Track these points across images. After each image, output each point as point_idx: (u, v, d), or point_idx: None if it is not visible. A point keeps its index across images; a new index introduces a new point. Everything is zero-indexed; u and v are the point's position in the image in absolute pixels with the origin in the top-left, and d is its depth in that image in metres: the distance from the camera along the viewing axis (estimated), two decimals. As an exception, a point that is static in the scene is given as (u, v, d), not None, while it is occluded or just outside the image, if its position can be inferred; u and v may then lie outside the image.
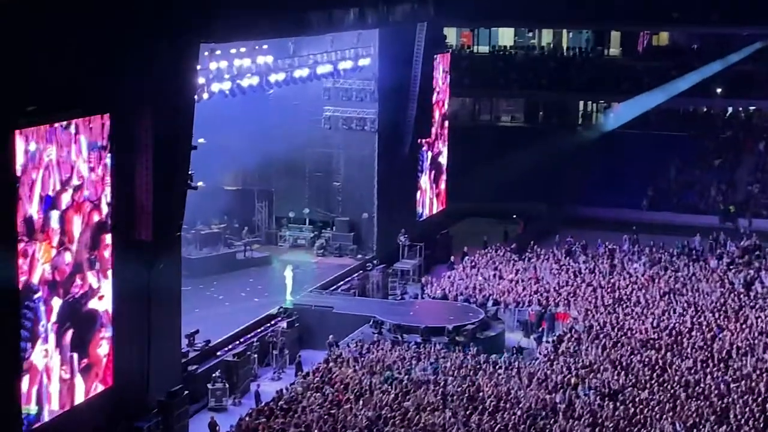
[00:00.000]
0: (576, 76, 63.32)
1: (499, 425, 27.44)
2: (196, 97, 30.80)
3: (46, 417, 25.15)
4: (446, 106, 51.66)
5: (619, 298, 39.45)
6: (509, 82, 63.86)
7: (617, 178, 57.84)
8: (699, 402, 29.19)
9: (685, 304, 38.53)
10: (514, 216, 55.04)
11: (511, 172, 55.21)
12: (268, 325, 36.76)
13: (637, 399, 29.37)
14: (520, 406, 28.73)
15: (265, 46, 37.78)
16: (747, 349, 33.62)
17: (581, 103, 66.28)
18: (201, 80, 32.70)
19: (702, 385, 30.55)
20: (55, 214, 24.92)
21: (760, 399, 29.46)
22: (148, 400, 29.09)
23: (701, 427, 27.70)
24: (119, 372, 27.67)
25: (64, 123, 24.95)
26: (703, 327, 35.85)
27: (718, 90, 61.02)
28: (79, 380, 26.27)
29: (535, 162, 55.73)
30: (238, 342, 34.85)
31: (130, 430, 28.00)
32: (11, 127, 23.18)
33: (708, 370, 31.83)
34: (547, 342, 35.94)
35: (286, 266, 40.34)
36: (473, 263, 44.90)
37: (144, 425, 28.13)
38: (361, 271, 43.85)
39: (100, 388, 27.05)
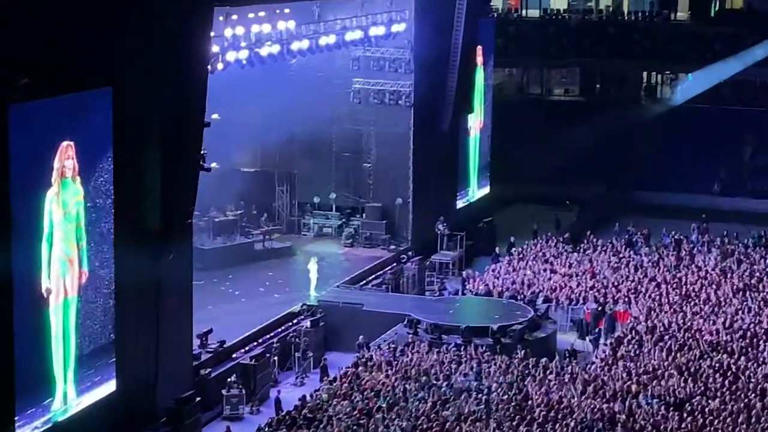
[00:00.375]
0: (639, 43, 62.86)
1: (549, 438, 27.43)
2: (209, 67, 30.83)
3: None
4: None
5: (686, 294, 39.24)
6: (562, 50, 63.49)
7: (685, 158, 57.43)
8: (777, 413, 29.00)
9: (762, 302, 38.29)
10: (568, 202, 54.85)
11: (564, 152, 55.05)
12: (290, 324, 36.84)
13: (706, 409, 29.16)
14: (574, 416, 28.63)
15: (286, 10, 37.77)
16: (832, 353, 33.38)
17: (644, 73, 65.80)
18: (215, 48, 32.71)
19: (781, 393, 30.35)
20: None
21: None
22: (156, 407, 29.26)
23: (780, 441, 27.58)
24: (123, 376, 27.82)
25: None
26: (783, 328, 35.64)
27: (801, 59, 60.47)
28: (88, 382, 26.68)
29: (592, 141, 55.53)
30: (256, 343, 34.96)
31: (136, 441, 28.27)
32: (4, 101, 23.25)
33: (788, 376, 31.63)
34: (605, 344, 35.81)
35: (310, 258, 40.43)
36: (521, 255, 44.80)
37: (151, 435, 28.40)
38: (394, 264, 43.87)
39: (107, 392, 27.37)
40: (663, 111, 60.01)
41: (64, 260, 25.70)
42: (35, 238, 24.76)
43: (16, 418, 24.38)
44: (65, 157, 25.44)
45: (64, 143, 25.39)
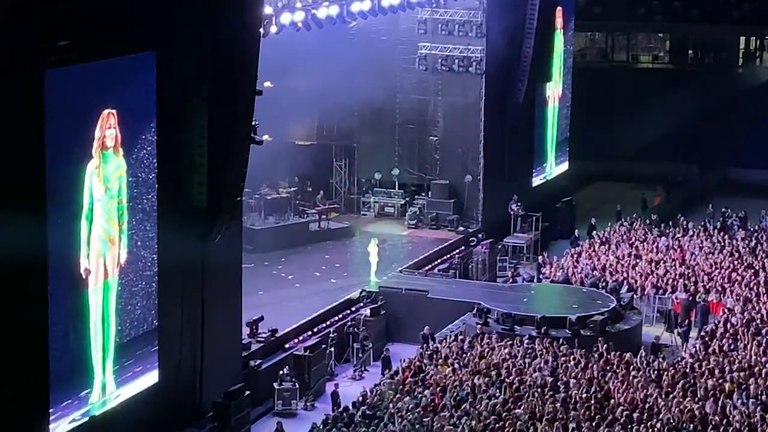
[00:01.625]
0: (736, 4, 62.28)
1: (633, 440, 27.38)
2: (261, 30, 30.93)
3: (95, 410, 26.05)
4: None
5: (787, 284, 39.00)
6: (651, 12, 63.08)
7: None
8: None
9: None
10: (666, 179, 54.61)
11: (652, 126, 54.71)
12: (348, 312, 37.01)
13: (809, 411, 29.00)
14: (660, 417, 28.52)
15: (346, -32, 37.84)
16: None
17: (742, 39, 65.22)
18: (268, 9, 32.81)
19: None
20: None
21: None
22: (201, 401, 29.50)
23: None
24: (166, 366, 28.08)
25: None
26: None
27: None
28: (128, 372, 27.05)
29: (683, 113, 55.16)
30: (310, 332, 35.14)
31: (180, 437, 28.54)
32: (41, 66, 23.43)
33: None
34: (695, 338, 35.65)
35: (370, 240, 40.53)
36: (603, 239, 44.64)
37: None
38: (462, 247, 43.89)
39: (148, 383, 27.73)
40: (763, 80, 59.46)
41: (104, 239, 25.89)
42: (74, 215, 24.94)
43: (50, 410, 24.59)
44: (106, 126, 25.57)
45: (106, 111, 25.55)
